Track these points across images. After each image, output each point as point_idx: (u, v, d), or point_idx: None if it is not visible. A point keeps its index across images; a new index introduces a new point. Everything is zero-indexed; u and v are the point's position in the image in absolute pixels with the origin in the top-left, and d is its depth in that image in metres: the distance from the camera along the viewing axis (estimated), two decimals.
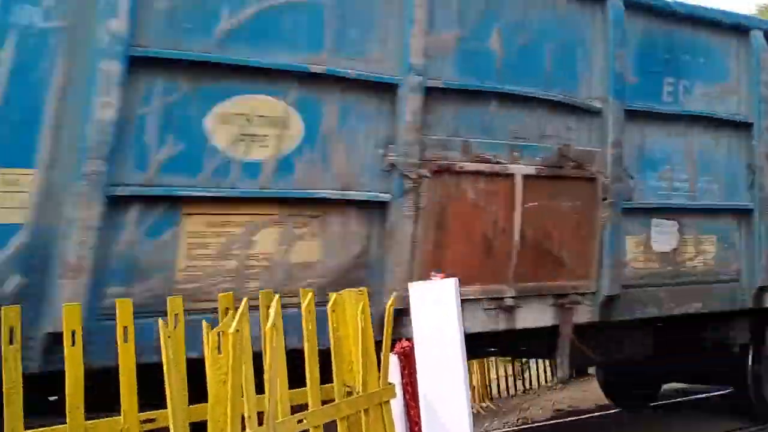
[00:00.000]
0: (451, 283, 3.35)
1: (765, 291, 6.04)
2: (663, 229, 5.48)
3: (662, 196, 5.46)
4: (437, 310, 3.32)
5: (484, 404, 8.67)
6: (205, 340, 2.36)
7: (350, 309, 3.01)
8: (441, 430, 3.23)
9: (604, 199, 5.02)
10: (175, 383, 2.37)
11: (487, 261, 4.56)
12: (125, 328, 2.61)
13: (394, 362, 3.33)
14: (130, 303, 2.66)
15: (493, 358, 8.90)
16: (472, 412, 3.31)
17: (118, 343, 2.60)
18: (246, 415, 2.30)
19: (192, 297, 3.45)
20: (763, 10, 32.52)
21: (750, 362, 6.40)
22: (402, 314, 3.73)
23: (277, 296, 2.66)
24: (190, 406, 2.64)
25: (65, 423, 2.48)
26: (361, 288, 3.09)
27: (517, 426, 7.64)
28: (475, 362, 8.23)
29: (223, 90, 3.66)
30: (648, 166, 5.39)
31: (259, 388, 2.39)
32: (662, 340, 6.19)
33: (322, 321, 2.87)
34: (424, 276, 4.02)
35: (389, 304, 3.22)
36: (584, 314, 5.04)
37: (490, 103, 4.56)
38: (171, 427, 2.27)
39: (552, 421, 7.72)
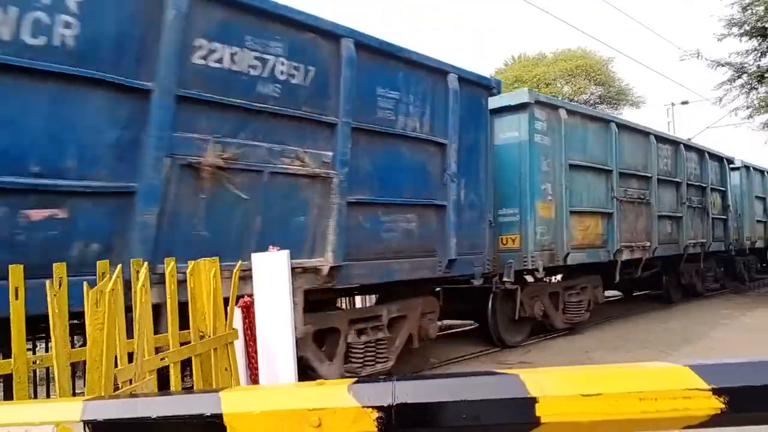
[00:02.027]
0: (284, 254, 4.14)
1: None
2: None
3: None
4: (272, 274, 4.11)
5: None
6: (85, 298, 3.00)
7: (204, 273, 3.75)
8: (272, 362, 4.04)
9: None
10: (59, 330, 3.00)
11: None
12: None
13: (238, 313, 4.14)
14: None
15: None
16: None
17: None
18: (118, 354, 2.98)
19: None
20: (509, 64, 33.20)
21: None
22: None
23: (145, 263, 3.35)
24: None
25: None
26: (214, 257, 3.84)
27: None
28: None
29: None
30: None
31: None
32: None
33: None
34: None
35: (236, 270, 4.00)
36: None
37: None
38: (55, 365, 2.90)
39: None
